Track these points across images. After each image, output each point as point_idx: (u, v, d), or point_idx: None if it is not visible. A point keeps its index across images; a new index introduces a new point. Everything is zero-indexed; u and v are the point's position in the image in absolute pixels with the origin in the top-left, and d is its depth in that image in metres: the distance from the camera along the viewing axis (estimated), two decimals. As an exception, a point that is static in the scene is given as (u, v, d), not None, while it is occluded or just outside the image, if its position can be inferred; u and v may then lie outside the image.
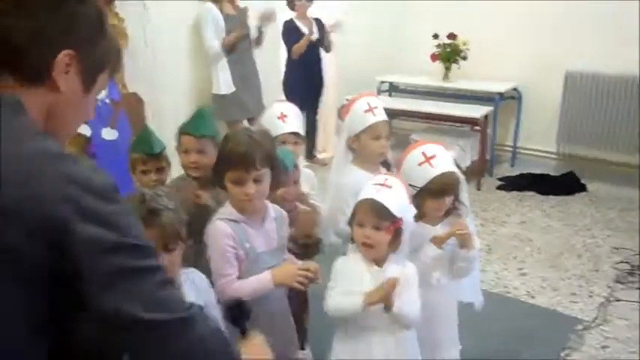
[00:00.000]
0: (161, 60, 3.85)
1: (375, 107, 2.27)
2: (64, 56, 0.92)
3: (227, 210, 1.80)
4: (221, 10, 4.16)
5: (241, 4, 4.30)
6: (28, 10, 0.90)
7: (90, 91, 1.00)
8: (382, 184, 1.80)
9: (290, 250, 2.08)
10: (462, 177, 2.07)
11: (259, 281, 1.75)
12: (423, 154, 1.97)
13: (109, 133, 3.21)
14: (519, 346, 2.72)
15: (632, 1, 4.40)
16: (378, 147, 2.25)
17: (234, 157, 1.75)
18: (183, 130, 2.17)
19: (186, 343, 0.89)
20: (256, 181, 1.74)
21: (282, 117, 2.48)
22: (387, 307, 1.74)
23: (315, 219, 2.13)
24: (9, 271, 0.79)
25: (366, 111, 2.24)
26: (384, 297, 1.73)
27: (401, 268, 1.82)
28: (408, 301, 1.78)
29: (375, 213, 1.77)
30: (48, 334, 0.85)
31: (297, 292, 2.12)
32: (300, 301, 2.26)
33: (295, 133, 2.49)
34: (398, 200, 1.79)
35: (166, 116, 3.55)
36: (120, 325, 0.85)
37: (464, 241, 1.97)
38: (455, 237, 1.97)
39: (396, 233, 1.79)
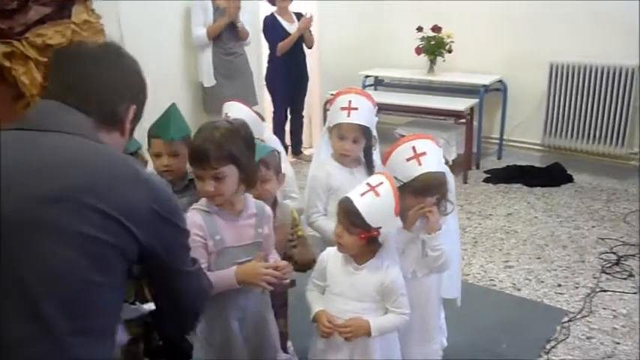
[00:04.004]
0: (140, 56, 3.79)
1: (355, 108, 2.19)
2: (132, 110, 1.30)
3: (203, 199, 1.77)
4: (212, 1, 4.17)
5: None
6: (114, 75, 1.28)
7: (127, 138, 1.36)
8: (372, 188, 1.74)
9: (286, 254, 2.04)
10: (450, 176, 2.01)
11: (222, 276, 1.69)
12: (413, 149, 1.90)
13: None
14: (505, 339, 2.70)
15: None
16: (340, 147, 2.23)
17: (192, 153, 1.72)
18: (153, 133, 2.10)
19: None
20: (217, 178, 1.68)
21: None
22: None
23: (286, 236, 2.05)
24: None
25: (343, 108, 2.20)
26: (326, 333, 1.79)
27: (380, 276, 1.79)
28: (387, 320, 1.81)
29: (349, 217, 1.74)
30: None
31: (275, 294, 2.09)
32: (278, 305, 2.17)
33: None
34: (380, 211, 1.73)
35: (149, 114, 3.51)
36: None
37: (428, 224, 1.93)
38: (421, 217, 1.94)
39: (370, 241, 1.76)
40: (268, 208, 1.87)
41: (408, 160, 1.89)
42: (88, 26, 3.28)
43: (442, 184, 1.94)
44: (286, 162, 2.45)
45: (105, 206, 1.09)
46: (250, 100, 4.14)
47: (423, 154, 1.89)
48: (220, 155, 1.66)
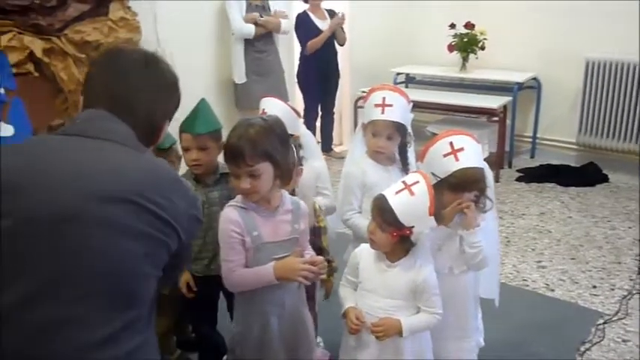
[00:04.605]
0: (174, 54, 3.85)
1: (389, 105, 2.17)
2: (166, 125, 1.44)
3: (239, 196, 1.78)
4: None
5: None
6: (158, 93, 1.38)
7: None
8: (407, 187, 1.73)
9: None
10: (489, 172, 1.98)
11: (260, 272, 1.71)
12: (451, 144, 1.88)
13: (4, 129, 2.88)
14: (538, 340, 2.66)
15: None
16: (374, 144, 2.21)
17: (227, 150, 1.72)
18: (182, 128, 2.10)
19: None
20: (252, 175, 1.68)
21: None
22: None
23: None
24: None
25: (377, 105, 2.18)
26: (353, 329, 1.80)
27: (412, 274, 1.79)
28: (418, 320, 1.80)
29: (382, 214, 1.74)
30: None
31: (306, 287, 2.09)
32: (307, 298, 2.19)
33: None
34: (413, 210, 1.72)
35: (183, 110, 3.56)
36: None
37: (466, 220, 1.89)
38: (459, 213, 1.90)
39: (403, 239, 1.76)
40: (304, 204, 1.88)
41: (446, 155, 1.87)
42: (124, 23, 3.34)
43: (480, 180, 1.90)
44: (321, 159, 2.44)
45: (156, 208, 1.23)
46: (280, 96, 4.17)
47: (461, 149, 1.86)
48: (255, 153, 1.67)
